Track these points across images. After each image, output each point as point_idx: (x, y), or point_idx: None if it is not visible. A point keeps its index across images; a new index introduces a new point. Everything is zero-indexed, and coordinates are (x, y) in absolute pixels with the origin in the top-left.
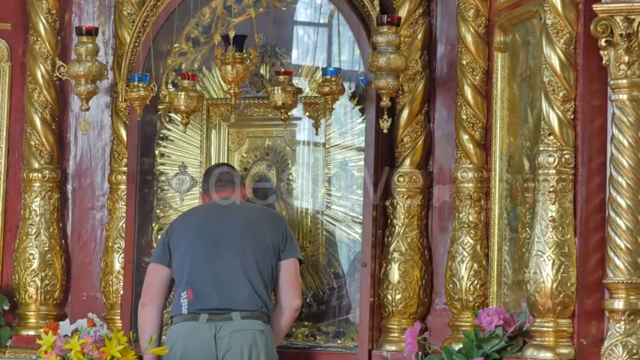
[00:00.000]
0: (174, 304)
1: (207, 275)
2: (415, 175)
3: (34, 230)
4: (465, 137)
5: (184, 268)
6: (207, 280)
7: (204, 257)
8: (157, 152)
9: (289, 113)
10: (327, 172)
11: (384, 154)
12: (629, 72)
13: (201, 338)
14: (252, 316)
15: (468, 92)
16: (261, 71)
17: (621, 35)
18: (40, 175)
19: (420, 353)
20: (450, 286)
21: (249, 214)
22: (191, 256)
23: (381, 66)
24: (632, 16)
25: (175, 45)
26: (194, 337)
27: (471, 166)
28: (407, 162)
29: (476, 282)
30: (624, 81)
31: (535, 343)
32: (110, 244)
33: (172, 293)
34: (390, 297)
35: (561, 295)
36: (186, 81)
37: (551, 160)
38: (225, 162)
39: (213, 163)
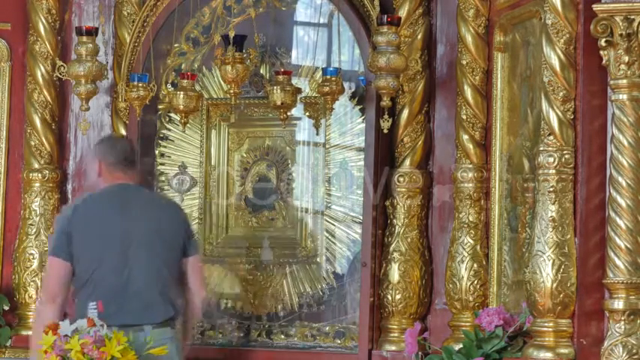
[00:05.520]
0: (78, 311)
1: (117, 286)
2: (415, 175)
3: (34, 230)
4: (465, 137)
5: (89, 272)
6: (118, 291)
7: (113, 265)
8: (157, 152)
9: (289, 113)
10: (327, 172)
11: (384, 154)
12: (629, 72)
13: None
14: (163, 325)
15: (468, 92)
16: (261, 71)
17: (621, 35)
18: (40, 175)
19: (420, 353)
20: (450, 286)
21: (156, 209)
22: (98, 260)
23: (381, 66)
24: (632, 16)
25: (175, 45)
26: None
27: (470, 166)
28: (407, 162)
29: (476, 282)
30: (624, 81)
31: (535, 343)
32: None
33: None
34: (390, 297)
35: (561, 295)
36: (185, 81)
37: (551, 160)
38: (124, 136)
39: (213, 163)
